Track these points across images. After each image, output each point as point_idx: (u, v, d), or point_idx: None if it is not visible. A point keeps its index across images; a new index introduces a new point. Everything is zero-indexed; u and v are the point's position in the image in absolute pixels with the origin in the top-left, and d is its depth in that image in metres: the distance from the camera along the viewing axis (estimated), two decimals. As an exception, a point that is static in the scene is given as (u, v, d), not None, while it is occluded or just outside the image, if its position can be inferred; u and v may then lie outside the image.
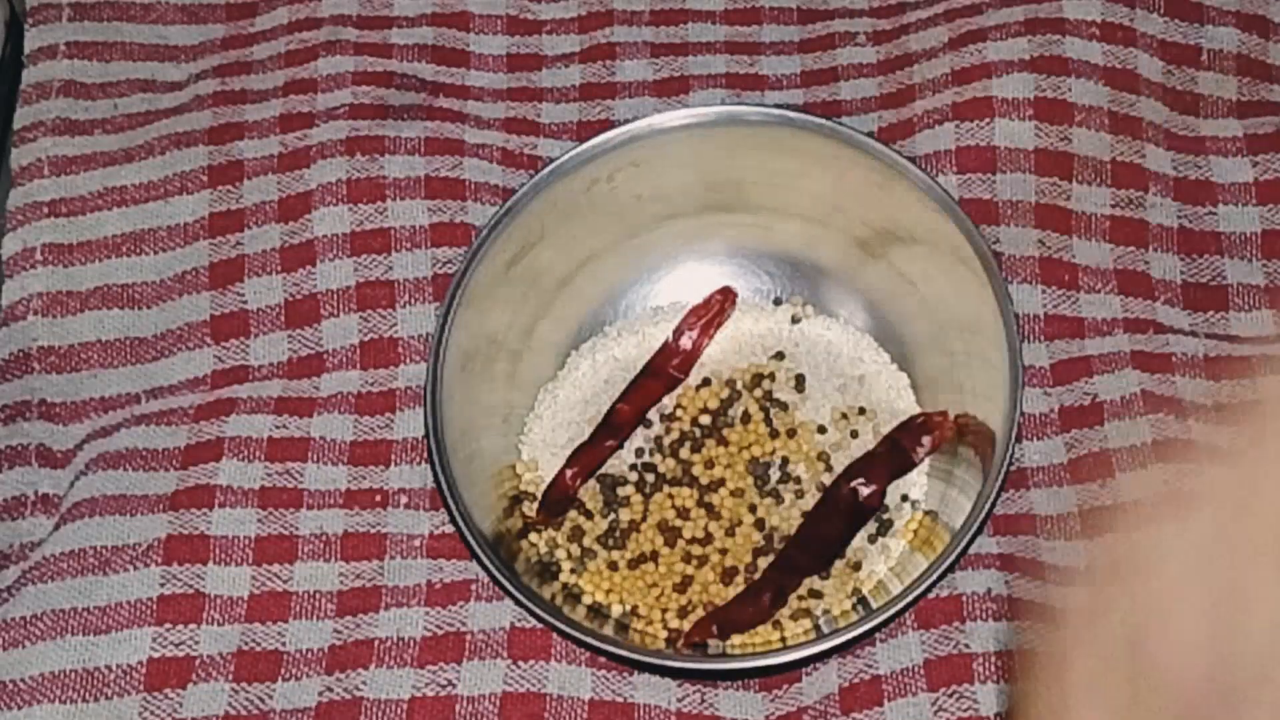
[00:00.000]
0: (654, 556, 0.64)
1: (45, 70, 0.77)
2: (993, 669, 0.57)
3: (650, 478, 0.66)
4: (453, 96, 0.75)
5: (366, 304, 0.69)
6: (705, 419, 0.67)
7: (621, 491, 0.65)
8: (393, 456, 0.66)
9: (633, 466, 0.66)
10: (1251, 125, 0.71)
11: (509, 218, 0.65)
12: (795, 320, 0.69)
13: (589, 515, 0.65)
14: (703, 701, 0.60)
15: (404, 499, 0.65)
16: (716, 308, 0.69)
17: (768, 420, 0.67)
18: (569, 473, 0.65)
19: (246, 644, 0.61)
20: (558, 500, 0.65)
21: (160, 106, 0.76)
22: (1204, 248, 0.69)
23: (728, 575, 0.63)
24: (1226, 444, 0.61)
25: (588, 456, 0.66)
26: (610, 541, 0.65)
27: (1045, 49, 0.71)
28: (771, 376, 0.68)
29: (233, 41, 0.79)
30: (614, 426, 0.66)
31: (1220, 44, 0.73)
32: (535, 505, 0.65)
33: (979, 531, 0.59)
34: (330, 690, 0.60)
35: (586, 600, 0.63)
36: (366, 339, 0.69)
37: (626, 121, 0.67)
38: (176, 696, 0.59)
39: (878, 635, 0.60)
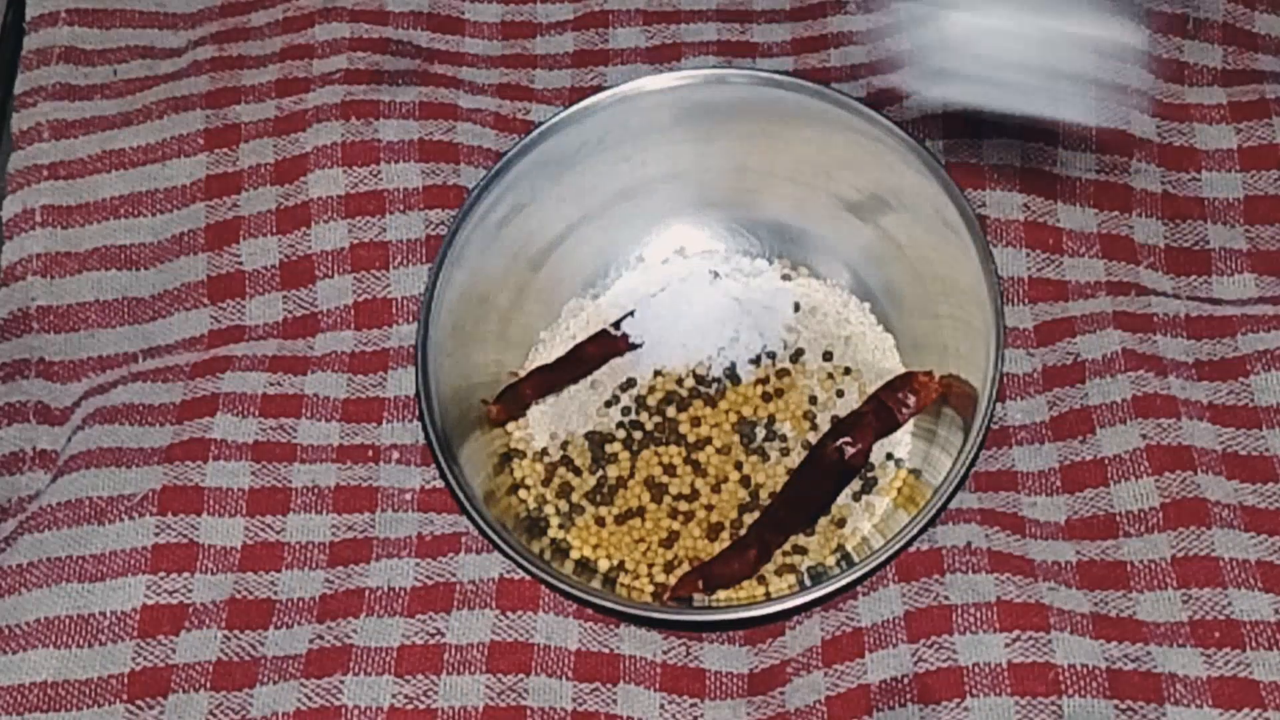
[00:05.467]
0: (641, 512, 0.65)
1: (46, 36, 0.78)
2: (971, 620, 0.58)
3: (637, 435, 0.67)
4: (447, 63, 0.76)
5: (360, 265, 0.70)
6: (691, 379, 0.68)
7: (609, 448, 0.66)
8: (385, 413, 0.67)
9: (620, 424, 0.67)
10: (1236, 93, 0.72)
11: (499, 178, 0.66)
12: (784, 281, 0.70)
13: (577, 472, 0.66)
14: (688, 654, 0.61)
15: (395, 454, 0.66)
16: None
17: (755, 379, 0.67)
18: (526, 388, 0.68)
19: (239, 592, 0.62)
20: (513, 400, 0.67)
21: (159, 72, 0.77)
22: (1187, 213, 0.70)
23: (713, 531, 0.64)
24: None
25: (546, 379, 0.68)
26: (598, 497, 0.66)
27: (1032, 15, 0.72)
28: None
29: (231, 9, 0.80)
30: (577, 362, 0.68)
31: (1207, 13, 0.74)
32: (494, 398, 0.67)
33: (959, 487, 0.60)
34: (321, 638, 0.61)
35: (574, 555, 0.64)
36: (360, 299, 0.70)
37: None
38: (169, 643, 0.60)
39: (859, 588, 0.61)
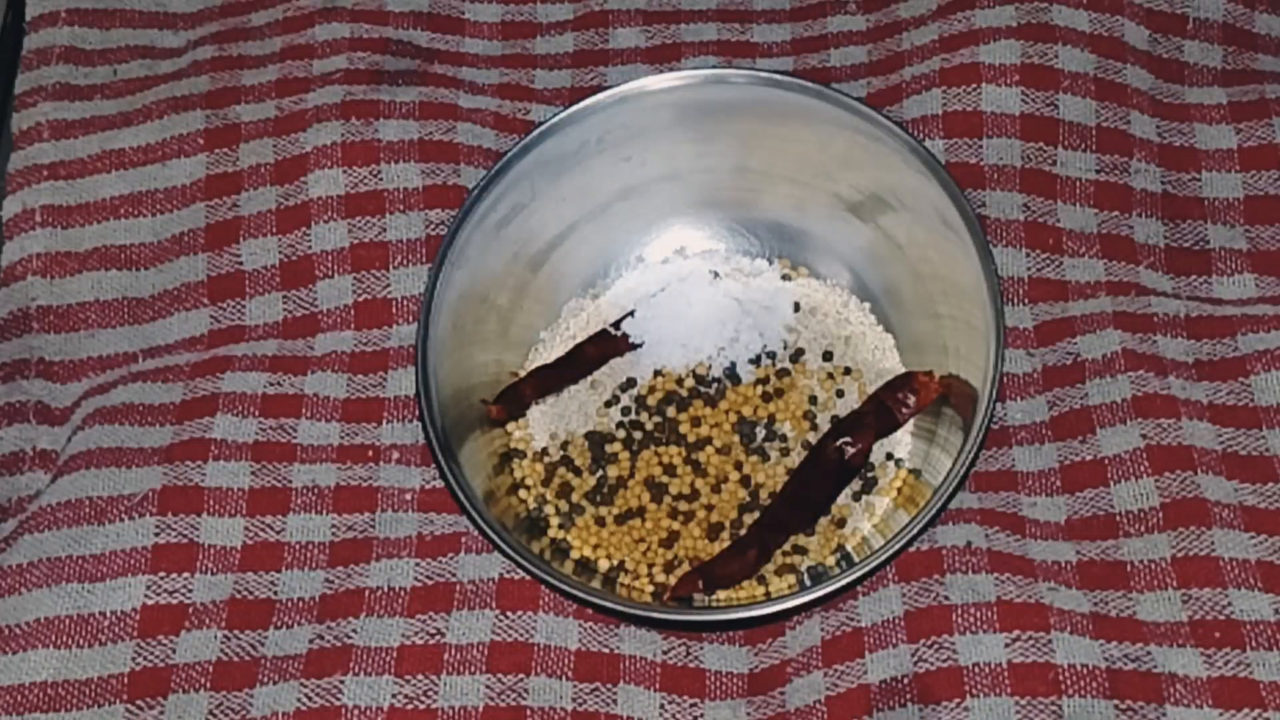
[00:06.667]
0: (641, 512, 0.65)
1: (46, 36, 0.78)
2: (971, 620, 0.58)
3: (637, 435, 0.67)
4: (447, 63, 0.76)
5: (360, 265, 0.70)
6: (691, 379, 0.68)
7: (609, 448, 0.66)
8: (385, 414, 0.67)
9: (620, 424, 0.67)
10: (1236, 93, 0.72)
11: (499, 178, 0.66)
12: (784, 281, 0.70)
13: (577, 472, 0.66)
14: (688, 654, 0.61)
15: (395, 454, 0.66)
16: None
17: (755, 379, 0.67)
18: (526, 388, 0.68)
19: (239, 592, 0.62)
20: (513, 400, 0.67)
21: (159, 72, 0.77)
22: (1187, 213, 0.70)
23: (713, 531, 0.64)
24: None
25: (545, 379, 0.68)
26: (598, 497, 0.66)
27: (1032, 16, 0.72)
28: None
29: (231, 9, 0.80)
30: (577, 362, 0.68)
31: (1206, 13, 0.74)
32: (494, 398, 0.67)
33: (959, 487, 0.60)
34: (321, 638, 0.61)
35: (574, 555, 0.64)
36: (360, 299, 0.70)
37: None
38: (169, 643, 0.60)
39: (859, 588, 0.61)
